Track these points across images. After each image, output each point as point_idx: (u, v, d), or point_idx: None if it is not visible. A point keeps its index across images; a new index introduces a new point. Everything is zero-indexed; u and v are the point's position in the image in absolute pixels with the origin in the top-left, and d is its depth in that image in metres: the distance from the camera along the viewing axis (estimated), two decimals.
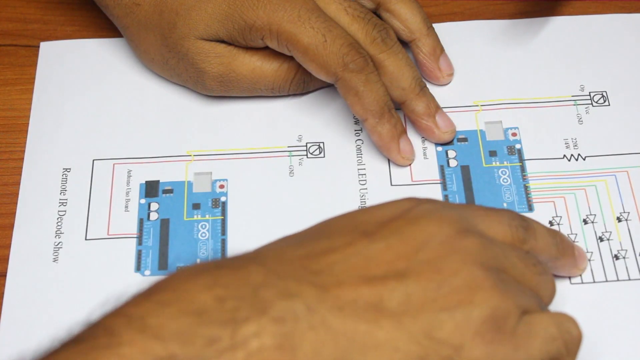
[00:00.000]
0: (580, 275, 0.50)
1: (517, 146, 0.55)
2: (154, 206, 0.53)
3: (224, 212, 0.53)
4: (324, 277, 0.37)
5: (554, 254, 0.47)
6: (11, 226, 0.52)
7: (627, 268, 0.50)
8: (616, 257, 0.50)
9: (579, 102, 0.57)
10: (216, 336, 0.33)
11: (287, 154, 0.55)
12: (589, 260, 0.50)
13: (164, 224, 0.52)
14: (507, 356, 0.38)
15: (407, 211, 0.41)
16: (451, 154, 0.55)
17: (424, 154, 0.55)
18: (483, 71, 0.58)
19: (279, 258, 0.38)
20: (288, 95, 0.57)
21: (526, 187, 0.53)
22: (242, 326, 0.34)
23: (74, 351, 0.33)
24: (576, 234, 0.51)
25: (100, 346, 0.32)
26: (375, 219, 0.41)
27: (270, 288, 0.36)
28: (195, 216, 0.52)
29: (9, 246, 0.51)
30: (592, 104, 0.57)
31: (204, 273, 0.36)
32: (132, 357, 0.32)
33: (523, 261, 0.43)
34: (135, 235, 0.52)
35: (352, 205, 0.53)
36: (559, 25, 0.60)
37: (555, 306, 0.48)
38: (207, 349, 0.33)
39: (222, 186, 0.54)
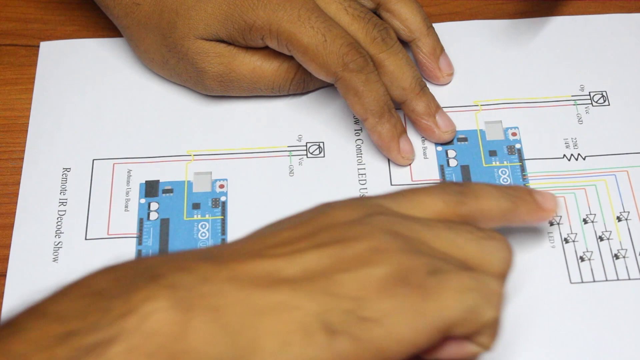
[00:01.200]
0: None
1: (517, 146, 0.55)
2: (154, 206, 0.53)
3: (224, 212, 0.53)
4: (221, 254, 0.38)
5: (507, 206, 0.45)
6: (11, 226, 0.52)
7: (627, 267, 0.50)
8: (616, 256, 0.50)
9: (579, 102, 0.57)
10: (109, 307, 0.34)
11: (287, 153, 0.55)
12: (589, 260, 0.50)
13: (164, 223, 0.52)
14: (416, 306, 0.37)
15: (326, 205, 0.42)
16: (451, 153, 0.55)
17: (424, 153, 0.55)
18: (483, 71, 0.58)
19: (186, 251, 0.39)
20: (288, 95, 0.57)
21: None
22: (134, 294, 0.34)
23: None
24: (576, 234, 0.51)
25: (3, 336, 0.34)
26: (302, 213, 0.41)
27: (165, 265, 0.36)
28: (195, 216, 0.52)
29: (9, 246, 0.51)
30: (592, 103, 0.57)
31: (108, 266, 0.37)
32: (34, 339, 0.33)
33: (453, 230, 0.41)
34: (135, 235, 0.52)
35: None
36: (559, 25, 0.60)
37: (555, 306, 0.48)
38: (102, 319, 0.34)
39: (222, 186, 0.54)
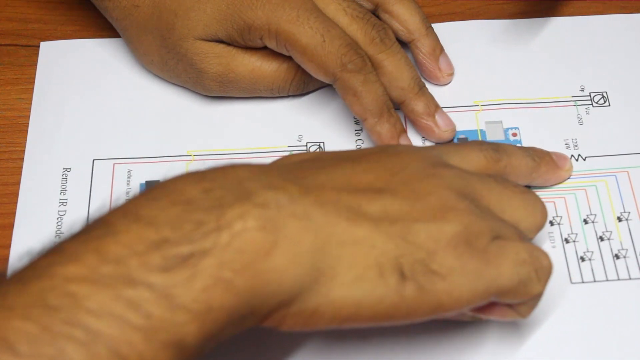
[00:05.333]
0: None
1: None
2: None
3: None
4: (307, 181, 0.40)
5: (532, 164, 0.50)
6: (11, 226, 0.52)
7: (627, 267, 0.50)
8: (617, 256, 0.50)
9: (579, 102, 0.57)
10: (203, 220, 0.36)
11: (287, 154, 0.55)
12: (590, 260, 0.50)
13: None
14: (477, 269, 0.40)
15: (388, 147, 0.46)
16: None
17: None
18: (483, 71, 0.58)
19: (269, 165, 0.41)
20: (288, 96, 0.57)
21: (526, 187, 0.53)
22: (227, 211, 0.36)
23: (75, 242, 0.35)
24: (576, 234, 0.51)
25: (99, 236, 0.35)
26: (361, 152, 0.45)
27: (255, 181, 0.38)
28: None
29: (9, 246, 0.51)
30: (592, 104, 0.57)
31: (193, 173, 0.38)
32: (128, 242, 0.35)
33: (501, 184, 0.45)
34: None
35: None
36: (559, 26, 0.60)
37: (555, 305, 0.48)
38: (194, 232, 0.35)
39: None
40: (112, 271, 0.34)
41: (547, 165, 0.51)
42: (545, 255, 0.43)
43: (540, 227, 0.45)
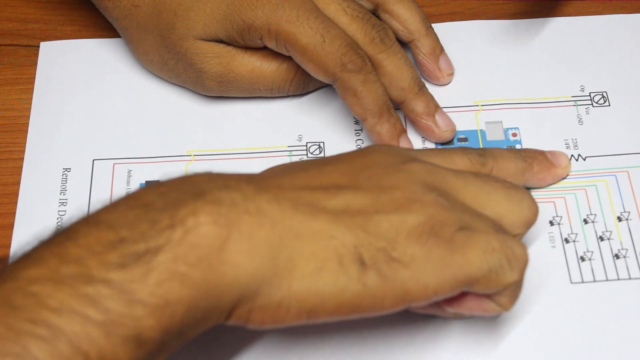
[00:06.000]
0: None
1: (518, 146, 0.55)
2: None
3: None
4: (266, 182, 0.41)
5: (522, 165, 0.50)
6: (11, 226, 0.52)
7: (627, 267, 0.50)
8: (617, 256, 0.50)
9: (579, 102, 0.57)
10: (157, 219, 0.37)
11: (287, 153, 0.55)
12: (590, 260, 0.50)
13: None
14: (442, 257, 0.40)
15: (366, 147, 0.46)
16: None
17: None
18: (483, 71, 0.58)
19: (238, 174, 0.41)
20: (287, 96, 0.57)
21: (526, 188, 0.53)
22: (180, 209, 0.37)
23: (39, 247, 0.37)
24: (576, 234, 0.51)
25: (61, 241, 0.37)
26: (339, 155, 0.45)
27: (210, 183, 0.39)
28: None
29: (9, 246, 0.51)
30: (592, 104, 0.57)
31: (155, 182, 0.40)
32: (88, 244, 0.36)
33: (482, 179, 0.45)
34: None
35: None
36: (559, 26, 0.60)
37: (556, 305, 0.48)
38: (150, 230, 0.36)
39: None
40: (72, 271, 0.35)
41: (540, 164, 0.51)
42: (520, 245, 0.42)
43: (528, 222, 0.45)
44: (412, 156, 0.45)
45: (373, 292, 0.39)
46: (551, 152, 0.52)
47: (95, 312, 0.34)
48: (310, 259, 0.39)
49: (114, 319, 0.35)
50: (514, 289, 0.43)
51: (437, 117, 0.54)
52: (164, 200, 0.38)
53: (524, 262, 0.42)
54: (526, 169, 0.50)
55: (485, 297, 0.43)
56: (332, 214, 0.40)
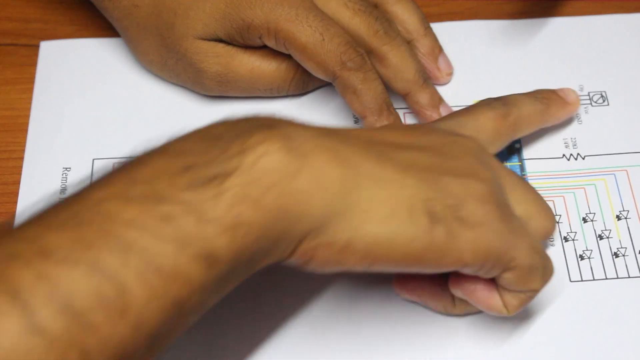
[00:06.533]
0: (578, 108, 0.55)
1: (517, 146, 0.55)
2: None
3: None
4: (335, 130, 0.40)
5: (541, 107, 0.52)
6: (11, 226, 0.52)
7: (626, 266, 0.50)
8: (616, 255, 0.50)
9: None
10: (228, 147, 0.37)
11: None
12: (589, 258, 0.50)
13: None
14: (502, 232, 0.40)
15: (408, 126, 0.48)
16: None
17: None
18: (483, 71, 0.58)
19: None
20: (287, 96, 0.57)
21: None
22: (251, 137, 0.37)
23: (107, 175, 0.37)
24: (575, 232, 0.51)
25: (129, 167, 0.37)
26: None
27: (280, 121, 0.39)
28: None
29: None
30: (591, 103, 0.57)
31: (226, 118, 0.39)
32: (157, 167, 0.36)
33: (519, 177, 0.46)
34: None
35: None
36: (559, 26, 0.60)
37: (555, 304, 0.48)
38: (220, 156, 0.36)
39: None
40: (142, 191, 0.35)
41: (556, 104, 0.53)
42: (551, 260, 0.43)
43: (548, 232, 0.46)
44: (455, 131, 0.46)
45: (439, 246, 0.39)
46: (561, 89, 0.54)
47: (167, 228, 0.34)
48: (382, 203, 0.38)
49: (187, 236, 0.35)
50: (529, 297, 0.43)
51: (441, 109, 0.55)
52: (234, 131, 0.37)
53: (550, 276, 0.43)
54: (545, 111, 0.52)
55: (497, 292, 0.43)
56: (401, 166, 0.39)
